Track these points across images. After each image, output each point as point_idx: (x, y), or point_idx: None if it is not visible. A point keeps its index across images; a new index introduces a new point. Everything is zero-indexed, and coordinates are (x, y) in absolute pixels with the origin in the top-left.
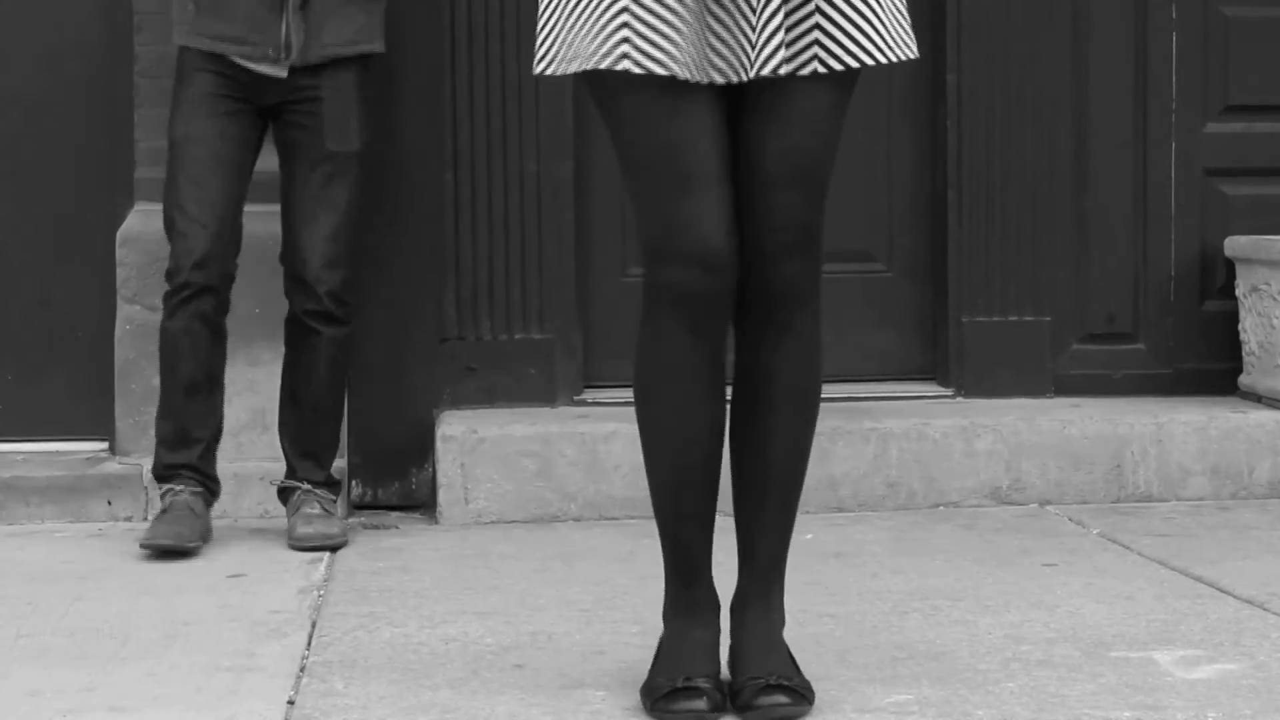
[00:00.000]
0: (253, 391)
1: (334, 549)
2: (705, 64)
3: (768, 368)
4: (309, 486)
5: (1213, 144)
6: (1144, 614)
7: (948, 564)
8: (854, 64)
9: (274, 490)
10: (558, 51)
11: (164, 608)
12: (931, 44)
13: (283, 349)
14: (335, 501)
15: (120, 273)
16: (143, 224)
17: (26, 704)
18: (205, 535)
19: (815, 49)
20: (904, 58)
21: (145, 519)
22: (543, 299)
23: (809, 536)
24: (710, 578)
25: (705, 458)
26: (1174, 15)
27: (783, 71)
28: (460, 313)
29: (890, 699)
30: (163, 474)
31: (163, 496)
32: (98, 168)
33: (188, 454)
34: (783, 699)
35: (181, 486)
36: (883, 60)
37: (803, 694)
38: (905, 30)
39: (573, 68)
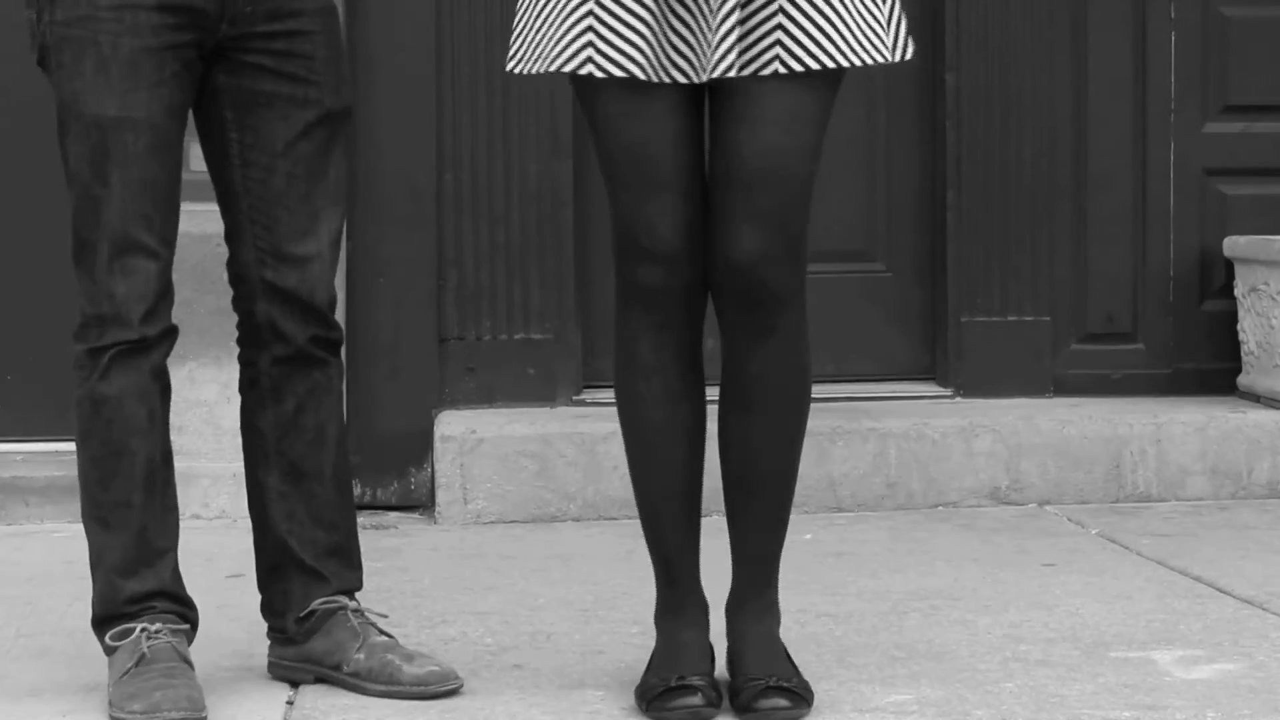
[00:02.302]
0: None
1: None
2: (666, 63)
3: (754, 369)
4: (356, 605)
5: (1212, 144)
6: (1143, 614)
7: (947, 564)
8: (815, 65)
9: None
10: (525, 51)
11: None
12: (930, 43)
13: None
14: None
15: None
16: None
17: (26, 704)
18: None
19: (777, 49)
20: (873, 61)
21: None
22: (542, 299)
23: (808, 536)
24: (697, 579)
25: (682, 456)
26: (1173, 15)
27: (734, 74)
28: (460, 313)
29: (890, 699)
30: (122, 610)
31: (125, 641)
32: None
33: (156, 574)
34: (782, 702)
35: (159, 625)
36: (845, 63)
37: (802, 695)
38: (878, 33)
39: (538, 68)
